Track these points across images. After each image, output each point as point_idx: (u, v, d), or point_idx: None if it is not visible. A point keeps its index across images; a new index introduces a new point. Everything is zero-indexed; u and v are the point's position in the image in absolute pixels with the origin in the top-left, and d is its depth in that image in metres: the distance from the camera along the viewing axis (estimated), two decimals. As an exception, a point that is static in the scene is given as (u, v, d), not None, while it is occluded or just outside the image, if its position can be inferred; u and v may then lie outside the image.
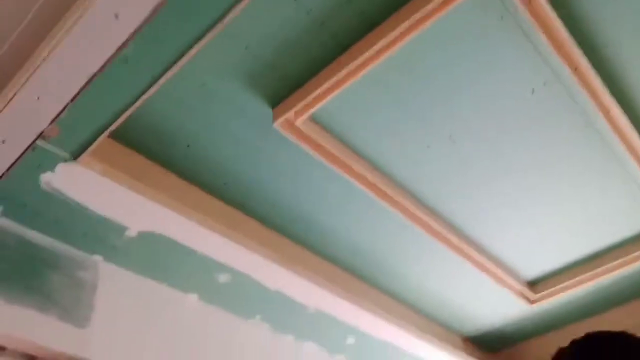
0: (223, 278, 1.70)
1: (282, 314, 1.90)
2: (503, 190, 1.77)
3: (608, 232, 1.98)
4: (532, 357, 2.54)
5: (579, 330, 2.40)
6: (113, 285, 1.57)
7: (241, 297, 1.80)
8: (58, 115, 1.12)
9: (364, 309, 1.93)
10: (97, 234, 1.48)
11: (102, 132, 1.21)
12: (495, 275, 2.10)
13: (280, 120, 1.40)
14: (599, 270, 2.08)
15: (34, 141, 1.18)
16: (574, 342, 0.67)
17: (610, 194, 1.81)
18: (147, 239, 1.53)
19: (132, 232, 1.51)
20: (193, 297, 1.77)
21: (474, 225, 1.90)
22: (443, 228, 1.83)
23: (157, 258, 1.61)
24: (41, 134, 1.16)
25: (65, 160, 1.28)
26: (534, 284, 2.24)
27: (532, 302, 2.24)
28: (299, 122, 1.41)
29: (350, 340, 2.07)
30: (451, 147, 1.59)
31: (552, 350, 2.44)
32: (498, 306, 2.32)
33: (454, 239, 1.88)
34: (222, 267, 1.66)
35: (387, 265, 2.02)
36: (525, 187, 1.77)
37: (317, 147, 1.48)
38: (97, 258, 1.53)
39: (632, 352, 0.63)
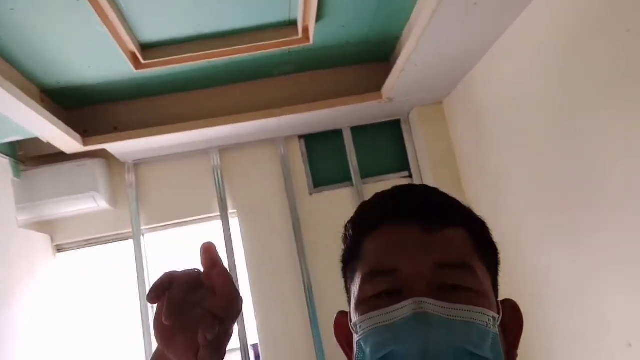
0: None
1: None
2: None
3: (240, 16, 1.93)
4: (111, 119, 2.42)
5: (172, 100, 2.41)
6: None
7: None
8: None
9: None
10: None
11: None
12: (113, 28, 1.80)
13: None
14: (214, 51, 2.07)
15: None
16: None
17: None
18: None
19: None
20: None
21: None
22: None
23: None
24: None
25: None
26: (146, 49, 2.05)
27: (139, 66, 2.06)
28: None
29: None
30: None
31: (140, 115, 2.40)
32: (101, 63, 2.05)
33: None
34: None
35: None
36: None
37: None
38: None
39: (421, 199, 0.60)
